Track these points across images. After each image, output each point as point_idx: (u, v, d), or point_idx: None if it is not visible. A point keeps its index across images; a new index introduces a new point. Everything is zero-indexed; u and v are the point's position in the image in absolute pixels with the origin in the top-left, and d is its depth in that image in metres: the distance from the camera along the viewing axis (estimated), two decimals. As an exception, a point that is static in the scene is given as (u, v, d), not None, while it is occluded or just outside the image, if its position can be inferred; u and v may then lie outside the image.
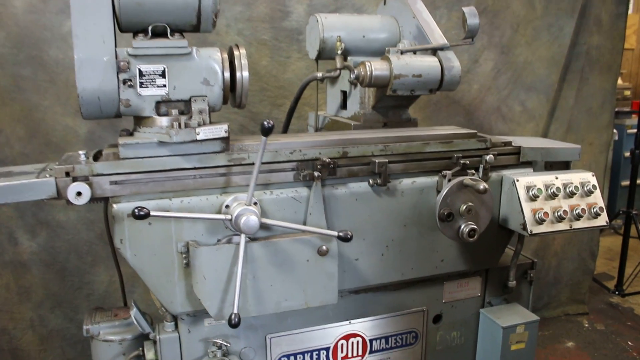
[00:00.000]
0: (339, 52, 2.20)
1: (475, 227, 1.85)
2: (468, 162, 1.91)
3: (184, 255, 1.70)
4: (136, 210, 1.53)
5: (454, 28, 3.13)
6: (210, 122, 1.75)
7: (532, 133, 3.38)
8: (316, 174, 1.75)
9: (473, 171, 1.93)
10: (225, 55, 1.73)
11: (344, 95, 2.38)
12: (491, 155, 1.95)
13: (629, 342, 3.46)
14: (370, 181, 1.82)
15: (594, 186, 2.02)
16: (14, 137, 2.63)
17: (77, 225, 2.74)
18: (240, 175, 1.73)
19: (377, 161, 1.81)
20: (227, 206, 1.71)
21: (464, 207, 1.85)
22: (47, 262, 2.72)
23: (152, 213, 1.55)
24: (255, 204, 1.71)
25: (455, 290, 2.12)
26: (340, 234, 1.68)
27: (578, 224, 2.00)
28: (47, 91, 2.65)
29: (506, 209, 2.02)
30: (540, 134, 3.40)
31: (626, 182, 5.32)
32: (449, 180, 1.86)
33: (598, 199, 2.04)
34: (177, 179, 1.69)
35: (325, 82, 2.53)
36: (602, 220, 2.04)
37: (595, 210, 2.01)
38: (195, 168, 1.70)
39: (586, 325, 3.69)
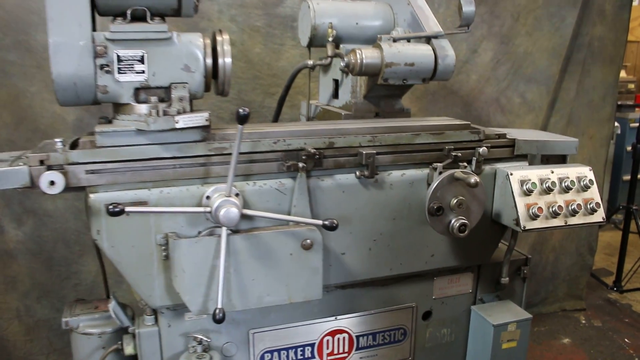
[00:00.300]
0: (330, 39, 2.11)
1: (466, 222, 1.78)
2: (460, 154, 1.84)
3: (163, 248, 1.64)
4: (110, 207, 1.46)
5: (452, 16, 3.04)
6: (192, 110, 1.68)
7: (532, 125, 3.29)
8: (301, 164, 1.68)
9: (465, 164, 1.85)
10: (208, 41, 1.65)
11: (336, 84, 2.30)
12: (484, 148, 1.87)
13: (625, 340, 3.39)
14: (358, 173, 1.75)
15: (590, 181, 1.94)
16: (0, 124, 2.57)
17: (65, 214, 2.68)
18: (222, 165, 1.66)
19: (364, 152, 1.73)
20: (207, 197, 1.64)
21: (455, 201, 1.77)
22: (33, 251, 2.67)
23: (126, 209, 1.48)
24: (237, 195, 1.65)
25: (446, 286, 2.05)
26: (326, 222, 1.61)
27: (573, 220, 1.92)
28: (34, 77, 2.57)
29: (499, 204, 1.94)
30: (540, 126, 3.31)
31: (628, 177, 5.23)
32: (440, 173, 1.79)
33: (595, 194, 1.96)
34: (156, 169, 1.62)
35: (318, 71, 2.45)
36: (599, 216, 1.96)
37: (591, 206, 1.93)
38: (174, 157, 1.63)
39: (583, 321, 3.62)
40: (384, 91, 2.13)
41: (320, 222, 1.62)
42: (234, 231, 1.66)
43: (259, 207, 1.69)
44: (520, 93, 3.26)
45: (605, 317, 3.66)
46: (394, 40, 1.98)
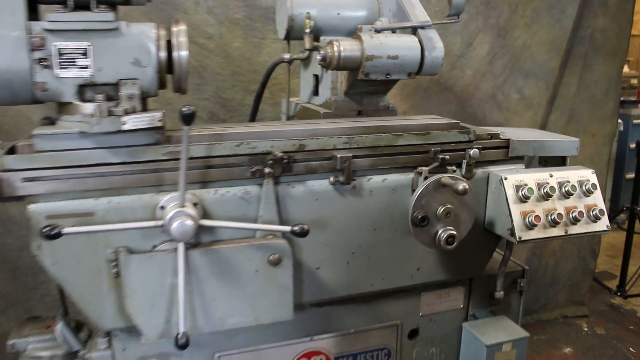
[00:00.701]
0: (308, 30, 1.91)
1: (454, 233, 1.58)
2: (448, 157, 1.63)
3: (113, 264, 1.45)
4: (45, 230, 1.27)
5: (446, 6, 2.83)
6: (146, 109, 1.49)
7: (530, 123, 3.08)
8: (267, 170, 1.48)
9: (454, 168, 1.64)
10: (163, 32, 1.45)
11: (316, 79, 2.10)
12: (475, 150, 1.67)
13: (630, 349, 3.18)
14: (332, 179, 1.55)
15: (593, 185, 1.73)
16: (-40, 125, 2.38)
17: (32, 220, 2.49)
18: (179, 171, 1.46)
19: (339, 156, 1.53)
20: (162, 207, 1.44)
21: (442, 210, 1.57)
22: (-3, 260, 2.48)
23: (64, 231, 1.29)
24: (195, 205, 1.45)
25: (434, 302, 1.85)
26: (295, 228, 1.41)
27: (575, 229, 1.72)
28: (-4, 74, 2.38)
29: (493, 211, 1.74)
30: (539, 123, 3.10)
31: (631, 175, 4.99)
32: (425, 178, 1.59)
33: (598, 200, 1.76)
34: (103, 176, 1.42)
35: (300, 66, 2.25)
36: (603, 224, 1.75)
37: (595, 213, 1.72)
38: (123, 163, 1.43)
39: (585, 329, 3.41)
40: (367, 87, 1.92)
41: (288, 228, 1.43)
42: (194, 245, 1.47)
43: (221, 218, 1.49)
44: (518, 89, 3.04)
45: (609, 324, 3.45)
46: (377, 31, 1.78)
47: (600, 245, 3.56)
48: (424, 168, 1.60)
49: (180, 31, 1.45)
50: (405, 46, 1.74)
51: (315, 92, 2.11)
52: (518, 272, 1.96)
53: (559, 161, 1.93)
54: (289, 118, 2.31)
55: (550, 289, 3.50)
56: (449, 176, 1.55)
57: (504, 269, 1.86)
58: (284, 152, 1.50)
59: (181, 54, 1.43)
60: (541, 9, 2.97)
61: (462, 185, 1.48)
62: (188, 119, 1.26)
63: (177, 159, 1.45)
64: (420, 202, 1.56)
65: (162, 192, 1.46)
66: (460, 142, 1.69)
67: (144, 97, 1.46)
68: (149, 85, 1.43)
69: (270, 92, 2.69)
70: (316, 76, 2.09)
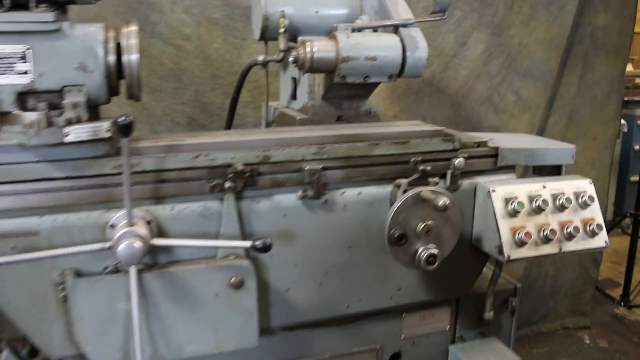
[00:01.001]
0: (282, 30, 1.77)
1: (435, 252, 1.43)
2: (429, 167, 1.49)
3: (60, 287, 1.31)
4: None
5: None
6: (97, 118, 1.36)
7: (528, 125, 2.92)
8: (227, 184, 1.34)
9: (437, 179, 1.50)
10: (112, 34, 1.31)
11: (295, 82, 1.96)
12: (460, 159, 1.53)
13: (634, 363, 3.03)
14: (300, 193, 1.41)
15: (590, 197, 1.59)
16: None
17: None
18: (135, 185, 1.32)
19: (307, 168, 1.39)
20: (112, 226, 1.31)
21: (422, 227, 1.42)
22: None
23: None
24: (149, 222, 1.32)
25: (418, 323, 1.71)
26: (257, 243, 1.27)
27: (570, 246, 1.57)
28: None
29: (480, 226, 1.60)
30: (537, 126, 2.94)
31: (635, 177, 4.84)
32: (404, 192, 1.44)
33: (596, 213, 1.61)
34: (47, 192, 1.29)
35: (280, 67, 2.12)
36: (601, 240, 1.61)
37: (592, 227, 1.57)
38: (69, 178, 1.30)
39: (587, 341, 3.25)
40: (345, 91, 1.78)
41: (248, 243, 1.29)
42: (151, 266, 1.34)
43: (179, 236, 1.36)
44: (514, 90, 2.89)
45: (612, 337, 3.28)
46: (354, 30, 1.63)
47: (602, 253, 3.40)
48: (402, 180, 1.46)
49: (130, 32, 1.31)
50: (384, 46, 1.60)
51: (294, 95, 1.97)
52: (510, 290, 1.81)
53: (555, 170, 1.78)
54: (267, 124, 2.17)
55: (550, 299, 3.34)
56: (429, 189, 1.41)
57: (493, 288, 1.72)
58: (247, 164, 1.37)
59: (131, 57, 1.30)
60: (539, 6, 2.81)
61: (442, 200, 1.33)
62: (125, 129, 1.12)
63: (131, 173, 1.32)
64: (397, 219, 1.41)
65: (113, 209, 1.32)
66: (444, 151, 1.54)
67: (94, 105, 1.32)
68: (97, 92, 1.29)
69: (252, 95, 2.56)
70: (294, 79, 1.95)
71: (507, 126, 2.90)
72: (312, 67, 1.58)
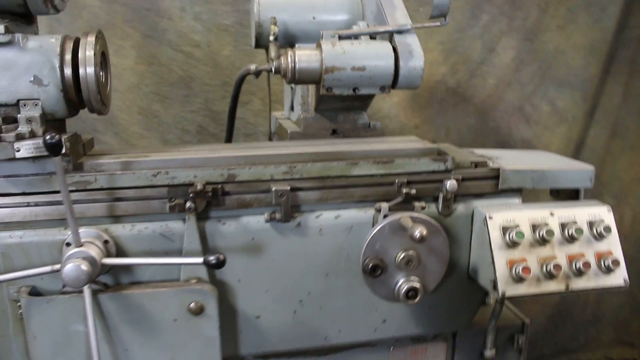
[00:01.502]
0: (272, 38, 1.66)
1: (416, 285, 1.28)
2: (414, 190, 1.34)
3: (18, 304, 1.27)
4: None
5: (462, 8, 2.50)
6: (62, 133, 1.30)
7: (564, 139, 2.67)
8: (188, 204, 1.25)
9: (423, 204, 1.35)
10: (70, 45, 1.24)
11: (293, 92, 1.85)
12: (452, 181, 1.36)
13: (683, 403, 2.70)
14: (267, 215, 1.29)
15: (607, 228, 1.38)
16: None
17: None
18: (90, 203, 1.26)
19: (274, 189, 1.28)
20: (67, 244, 1.25)
21: (402, 257, 1.28)
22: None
23: None
24: (106, 242, 1.25)
25: (408, 359, 1.55)
26: (210, 258, 1.17)
27: (579, 283, 1.37)
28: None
29: (477, 257, 1.43)
30: (575, 139, 2.69)
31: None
32: (385, 217, 1.30)
33: (614, 245, 1.40)
34: (3, 207, 1.24)
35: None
36: (619, 277, 1.40)
37: (607, 263, 1.37)
38: (24, 194, 1.24)
39: (631, 374, 2.95)
40: (339, 103, 1.65)
41: (200, 259, 1.19)
42: (111, 287, 1.27)
43: (139, 257, 1.28)
44: (549, 100, 2.65)
45: (660, 371, 2.97)
46: (341, 38, 1.50)
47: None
48: (383, 204, 1.31)
49: (88, 44, 1.24)
50: (373, 55, 1.45)
51: (292, 106, 1.87)
52: (516, 326, 1.61)
53: (573, 194, 1.58)
54: (270, 135, 2.08)
55: (591, 327, 3.06)
56: (409, 216, 1.26)
57: (494, 324, 1.53)
58: (209, 183, 1.27)
59: (87, 70, 1.22)
60: (577, 8, 2.57)
61: (418, 231, 1.18)
62: (53, 149, 1.04)
63: (86, 190, 1.25)
64: (373, 247, 1.27)
65: (72, 226, 1.26)
66: (435, 172, 1.38)
67: (53, 120, 1.26)
68: (54, 106, 1.23)
69: (264, 103, 2.47)
70: (292, 88, 1.85)
71: (541, 139, 2.67)
72: (294, 78, 1.46)
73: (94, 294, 1.23)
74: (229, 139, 2.03)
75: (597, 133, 2.73)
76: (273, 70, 1.50)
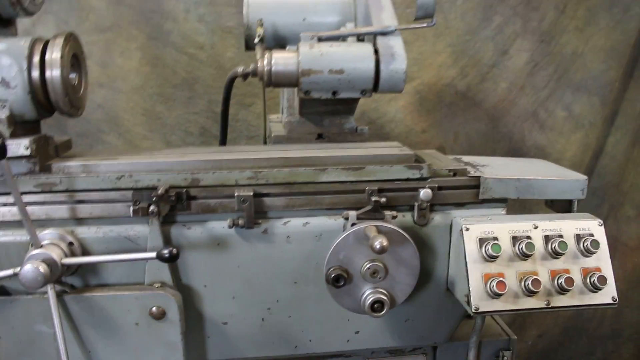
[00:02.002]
0: (257, 40, 1.63)
1: (383, 297, 1.23)
2: (384, 199, 1.28)
3: (-12, 304, 1.29)
4: None
5: (474, 9, 2.41)
6: (37, 133, 1.31)
7: (580, 145, 2.54)
8: (151, 208, 1.23)
9: (394, 213, 1.29)
10: (39, 48, 1.25)
11: (282, 95, 1.82)
12: (427, 190, 1.30)
13: None
14: (229, 221, 1.26)
15: (595, 243, 1.28)
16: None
17: None
18: (57, 205, 1.26)
19: (236, 194, 1.25)
20: (32, 245, 1.25)
21: (367, 268, 1.22)
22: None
23: None
24: (70, 244, 1.25)
25: (383, 371, 1.50)
26: (164, 252, 1.15)
27: (561, 301, 1.28)
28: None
29: (454, 269, 1.36)
30: (593, 146, 2.55)
31: None
32: (352, 225, 1.25)
33: (603, 261, 1.31)
34: (-29, 208, 1.26)
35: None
36: (606, 296, 1.31)
37: (593, 279, 1.28)
38: (-8, 194, 1.26)
39: (651, 395, 2.78)
40: (323, 106, 1.60)
41: (153, 254, 1.17)
42: (80, 288, 1.28)
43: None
44: (565, 105, 2.52)
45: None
46: (320, 40, 1.46)
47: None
48: (351, 212, 1.26)
49: (55, 46, 1.24)
50: (352, 57, 1.40)
51: (282, 109, 1.83)
52: (502, 341, 1.53)
53: (567, 205, 1.48)
54: (265, 140, 2.05)
55: (609, 343, 2.90)
56: (375, 226, 1.21)
57: (476, 339, 1.46)
58: (173, 187, 1.25)
59: (54, 73, 1.22)
60: (598, 9, 2.43)
61: (378, 242, 1.12)
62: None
63: (52, 192, 1.26)
64: (337, 257, 1.22)
65: (39, 227, 1.27)
66: (409, 179, 1.32)
67: (22, 121, 1.27)
68: (21, 108, 1.24)
69: (267, 107, 2.44)
70: (283, 91, 1.81)
71: (555, 146, 2.54)
72: (271, 81, 1.43)
73: (59, 295, 1.23)
74: (222, 141, 2.01)
75: (617, 140, 2.58)
76: (250, 73, 1.47)
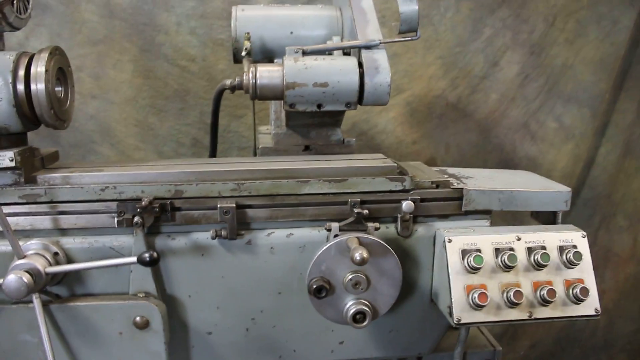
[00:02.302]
0: (244, 53, 1.65)
1: (365, 308, 1.23)
2: (366, 211, 1.29)
3: (-25, 314, 1.29)
4: None
5: (464, 21, 2.43)
6: (23, 144, 1.33)
7: (571, 156, 2.56)
8: (136, 219, 1.24)
9: (377, 224, 1.30)
10: (25, 61, 1.26)
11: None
12: (409, 202, 1.31)
13: None
14: (212, 232, 1.28)
15: (577, 254, 1.29)
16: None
17: None
18: (42, 216, 1.27)
19: (219, 205, 1.26)
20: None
21: (349, 279, 1.23)
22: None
23: None
24: (56, 254, 1.26)
25: (368, 382, 1.50)
26: (144, 255, 1.16)
27: (544, 312, 1.29)
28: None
29: (437, 280, 1.37)
30: (583, 157, 2.57)
31: None
32: (335, 237, 1.26)
33: (586, 273, 1.32)
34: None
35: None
36: (589, 307, 1.31)
37: (575, 291, 1.28)
38: (-23, 205, 1.27)
39: (644, 407, 2.77)
40: (309, 119, 1.62)
41: (133, 259, 1.18)
42: (65, 298, 1.29)
43: (90, 269, 1.29)
44: (556, 116, 2.54)
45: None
46: (305, 53, 1.48)
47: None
48: (333, 224, 1.27)
49: (40, 59, 1.25)
50: (337, 71, 1.42)
51: (271, 121, 1.85)
52: (487, 352, 1.54)
53: (552, 217, 1.49)
54: (255, 151, 2.07)
55: (602, 352, 2.89)
56: (356, 237, 1.22)
57: (461, 350, 1.46)
58: (158, 198, 1.26)
59: (38, 86, 1.24)
60: (587, 21, 2.46)
61: (358, 253, 1.13)
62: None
63: (36, 203, 1.27)
64: (319, 268, 1.23)
65: (24, 238, 1.28)
66: (391, 191, 1.34)
67: (7, 134, 1.28)
68: (6, 120, 1.25)
69: (259, 117, 2.46)
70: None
71: (547, 157, 2.56)
72: (256, 93, 1.45)
73: (44, 304, 1.24)
74: (212, 153, 2.03)
75: (608, 151, 2.60)
76: (236, 85, 1.49)
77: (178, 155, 2.43)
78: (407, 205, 1.31)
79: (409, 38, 1.53)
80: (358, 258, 1.13)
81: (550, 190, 1.42)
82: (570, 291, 1.29)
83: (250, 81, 1.43)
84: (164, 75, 2.37)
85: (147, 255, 1.15)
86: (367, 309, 1.23)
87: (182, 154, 2.43)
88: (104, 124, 2.37)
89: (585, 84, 2.50)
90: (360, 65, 1.44)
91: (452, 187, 1.37)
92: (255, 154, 2.07)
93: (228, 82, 1.74)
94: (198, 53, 2.38)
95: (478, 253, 1.27)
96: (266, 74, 1.43)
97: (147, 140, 2.42)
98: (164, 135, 2.43)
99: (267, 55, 1.74)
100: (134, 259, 1.17)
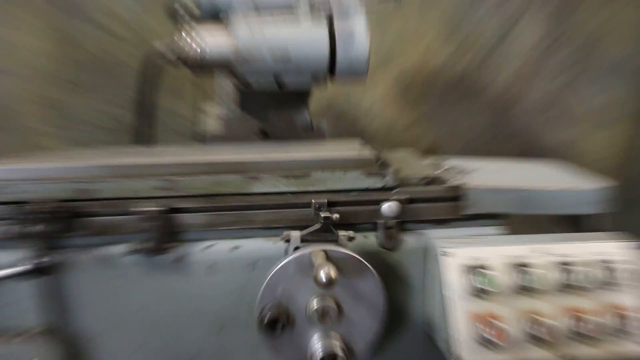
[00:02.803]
0: (180, 10, 1.56)
1: (335, 350, 1.15)
2: (336, 215, 1.21)
3: None
4: None
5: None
6: None
7: (607, 144, 2.52)
8: (27, 229, 1.14)
9: (351, 233, 1.22)
10: None
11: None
12: (391, 204, 1.23)
13: None
14: (131, 245, 1.18)
15: (624, 272, 1.23)
16: None
17: None
18: None
19: (139, 209, 1.17)
20: None
21: (314, 307, 1.15)
22: None
23: None
24: None
25: None
26: (35, 261, 1.09)
27: (581, 350, 1.22)
28: None
29: (431, 305, 1.29)
30: (624, 144, 2.53)
31: None
32: (295, 250, 1.18)
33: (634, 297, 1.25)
34: None
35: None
36: (636, 342, 1.24)
37: (624, 322, 1.21)
38: None
39: None
40: (267, 98, 1.54)
41: (22, 268, 1.10)
42: None
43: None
44: (588, 95, 2.50)
45: None
46: (259, 9, 1.40)
47: None
48: (293, 233, 1.19)
49: None
50: (299, 37, 1.33)
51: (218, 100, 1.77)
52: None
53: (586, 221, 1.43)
54: (196, 135, 1.98)
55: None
56: (324, 250, 1.13)
57: (466, 400, 1.39)
58: (56, 200, 1.16)
59: None
60: (626, -24, 2.43)
61: (323, 271, 1.05)
62: None
63: None
64: (273, 292, 1.14)
65: None
66: (369, 189, 1.26)
67: None
68: None
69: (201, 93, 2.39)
70: (219, 76, 1.75)
71: (578, 144, 2.52)
72: (199, 68, 1.36)
73: None
74: (138, 139, 1.93)
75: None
76: (175, 58, 1.40)
77: (95, 142, 2.32)
78: (388, 207, 1.22)
79: (391, 7, 1.47)
80: (324, 278, 1.05)
81: (581, 188, 1.35)
82: (619, 321, 1.22)
83: (192, 51, 1.35)
84: (81, 38, 2.27)
85: (35, 261, 1.07)
86: (339, 348, 1.15)
87: (100, 141, 2.33)
88: (-3, 102, 2.27)
89: (624, 55, 2.47)
90: (332, 31, 1.37)
91: (447, 184, 1.30)
92: (195, 140, 1.98)
93: (158, 47, 1.66)
94: (127, 11, 2.29)
95: (486, 270, 1.20)
96: (212, 39, 1.35)
97: (55, 123, 2.31)
98: (78, 116, 2.32)
99: (211, 10, 1.65)
100: (22, 268, 1.08)
